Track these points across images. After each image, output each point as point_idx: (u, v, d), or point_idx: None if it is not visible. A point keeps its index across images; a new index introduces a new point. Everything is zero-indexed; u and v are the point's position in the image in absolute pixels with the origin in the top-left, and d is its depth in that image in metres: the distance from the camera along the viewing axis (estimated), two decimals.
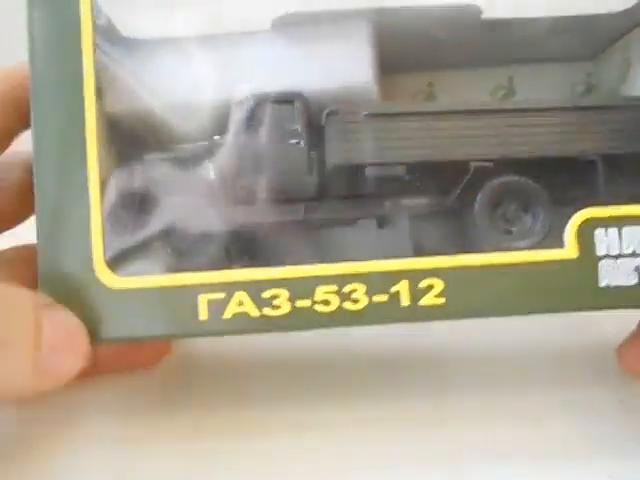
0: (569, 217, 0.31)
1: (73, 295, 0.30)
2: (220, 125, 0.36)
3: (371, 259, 0.31)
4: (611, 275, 0.30)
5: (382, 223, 0.35)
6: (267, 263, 0.33)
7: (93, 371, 0.36)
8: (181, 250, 0.33)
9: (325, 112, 0.33)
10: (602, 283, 0.30)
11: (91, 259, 0.31)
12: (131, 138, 0.36)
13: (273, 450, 0.35)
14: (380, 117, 0.33)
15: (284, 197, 0.34)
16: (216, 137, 0.35)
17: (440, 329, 0.37)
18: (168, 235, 0.33)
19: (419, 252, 0.34)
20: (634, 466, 0.31)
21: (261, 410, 0.37)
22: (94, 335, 0.30)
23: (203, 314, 0.30)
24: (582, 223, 0.31)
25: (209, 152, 0.34)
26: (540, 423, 0.34)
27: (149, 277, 0.31)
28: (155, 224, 0.33)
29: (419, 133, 0.33)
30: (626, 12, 0.37)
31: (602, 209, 0.31)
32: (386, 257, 0.32)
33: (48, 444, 0.35)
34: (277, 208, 0.34)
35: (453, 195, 0.33)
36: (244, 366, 0.40)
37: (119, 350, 0.38)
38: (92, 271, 0.31)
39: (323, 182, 0.34)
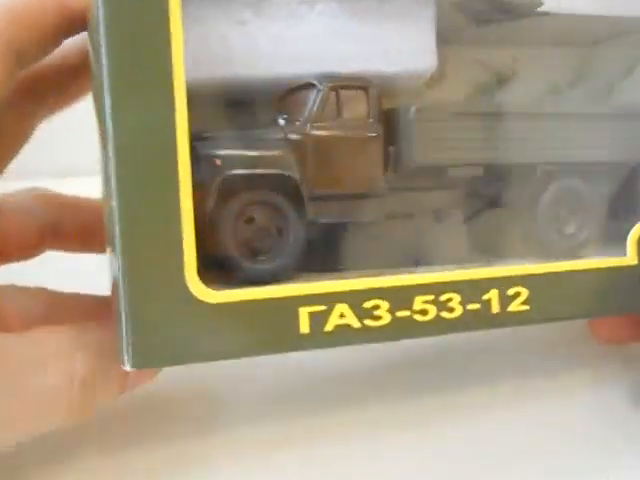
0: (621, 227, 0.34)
1: (165, 311, 0.27)
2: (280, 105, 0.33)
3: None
4: None
5: (439, 217, 0.35)
6: (339, 259, 0.32)
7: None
8: (256, 249, 0.31)
9: (413, 109, 0.32)
10: None
11: (183, 272, 0.27)
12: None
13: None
14: (467, 116, 0.33)
15: (358, 194, 0.32)
16: (281, 121, 0.32)
17: None
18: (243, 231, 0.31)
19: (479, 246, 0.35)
20: (633, 467, 0.34)
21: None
22: (189, 353, 0.28)
23: (304, 327, 0.29)
24: None
25: (284, 142, 0.31)
26: (540, 426, 0.36)
27: (246, 290, 0.28)
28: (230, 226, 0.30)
29: (499, 133, 0.33)
30: None
31: None
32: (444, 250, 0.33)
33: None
34: (350, 206, 0.32)
35: (520, 194, 0.34)
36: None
37: None
38: (185, 285, 0.27)
39: (398, 179, 0.33)
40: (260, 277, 0.30)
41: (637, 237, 0.33)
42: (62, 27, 0.31)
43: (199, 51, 0.31)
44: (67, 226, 0.37)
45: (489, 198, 0.35)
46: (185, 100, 0.27)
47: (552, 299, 0.32)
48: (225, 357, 0.29)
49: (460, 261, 0.33)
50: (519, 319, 0.32)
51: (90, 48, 0.29)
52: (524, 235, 0.35)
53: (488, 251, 0.35)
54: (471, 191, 0.34)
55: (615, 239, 0.34)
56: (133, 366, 0.27)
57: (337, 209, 0.32)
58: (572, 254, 0.35)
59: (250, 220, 0.31)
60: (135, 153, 0.27)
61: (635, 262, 0.33)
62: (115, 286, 0.28)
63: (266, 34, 0.33)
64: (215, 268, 0.30)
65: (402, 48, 0.34)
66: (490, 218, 0.35)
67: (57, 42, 0.31)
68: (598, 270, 0.33)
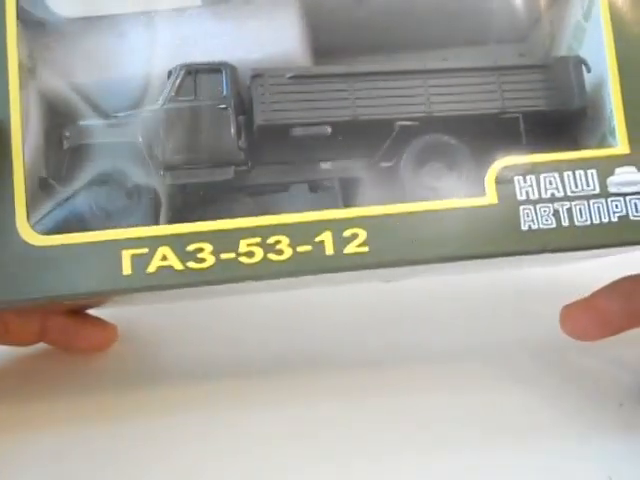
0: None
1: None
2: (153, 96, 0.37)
3: None
4: (532, 219, 0.31)
5: (314, 188, 0.35)
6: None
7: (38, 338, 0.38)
8: (108, 210, 0.33)
9: (251, 75, 0.34)
10: (524, 227, 0.31)
11: (13, 215, 0.30)
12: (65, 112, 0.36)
13: None
14: (304, 78, 0.34)
15: (215, 162, 0.34)
16: (148, 107, 0.36)
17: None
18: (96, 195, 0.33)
19: None
20: (633, 468, 0.32)
21: None
22: (15, 294, 0.30)
23: (127, 269, 0.30)
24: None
25: (141, 119, 0.35)
26: (540, 427, 0.34)
27: (71, 234, 0.31)
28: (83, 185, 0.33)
29: (343, 94, 0.34)
30: None
31: (519, 158, 0.31)
32: None
33: None
34: (207, 172, 0.34)
35: (380, 154, 0.34)
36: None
37: (68, 329, 0.39)
38: (14, 227, 0.30)
39: (252, 146, 0.34)
40: None
41: (494, 177, 0.31)
42: None
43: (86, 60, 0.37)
44: None
45: (352, 160, 0.34)
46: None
47: (396, 241, 0.31)
48: (55, 297, 0.30)
49: None
50: (358, 262, 0.30)
51: None
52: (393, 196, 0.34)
53: None
54: (327, 155, 0.34)
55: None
56: None
57: (197, 174, 0.34)
58: None
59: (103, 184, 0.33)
60: None
61: (495, 202, 0.31)
62: None
63: (144, 40, 0.37)
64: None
65: (266, 36, 0.37)
66: (358, 181, 0.35)
67: None
68: (449, 210, 0.31)
